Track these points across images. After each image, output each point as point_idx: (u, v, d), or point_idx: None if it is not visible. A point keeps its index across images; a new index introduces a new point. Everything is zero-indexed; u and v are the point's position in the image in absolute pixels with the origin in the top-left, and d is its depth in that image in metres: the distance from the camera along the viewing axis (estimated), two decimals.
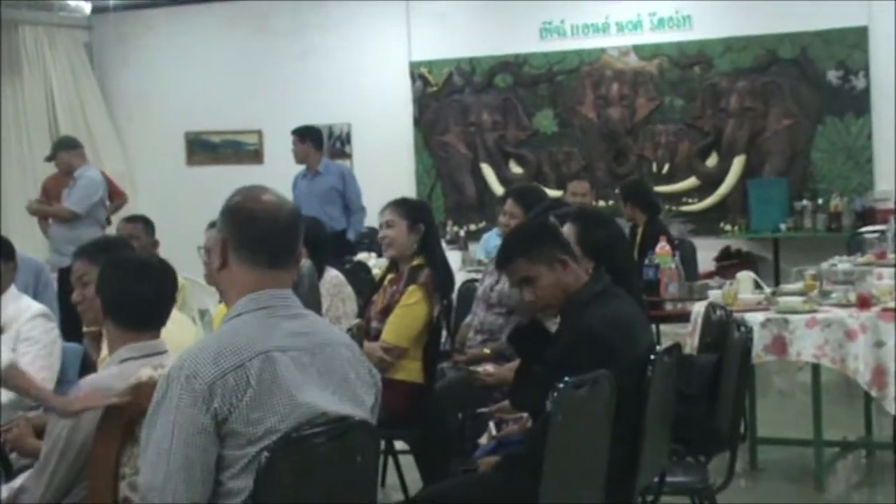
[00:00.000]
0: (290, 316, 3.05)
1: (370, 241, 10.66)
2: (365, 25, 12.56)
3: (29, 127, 12.37)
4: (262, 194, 3.13)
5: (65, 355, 5.35)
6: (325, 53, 12.64)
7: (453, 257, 8.34)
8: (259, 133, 12.85)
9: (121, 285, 3.76)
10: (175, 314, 3.99)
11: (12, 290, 5.25)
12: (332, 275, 6.12)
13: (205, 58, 12.94)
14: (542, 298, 4.20)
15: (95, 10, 12.59)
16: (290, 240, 3.13)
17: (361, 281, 7.41)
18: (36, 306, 5.22)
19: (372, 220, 10.48)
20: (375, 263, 8.89)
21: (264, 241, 3.06)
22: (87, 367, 5.23)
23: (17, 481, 3.72)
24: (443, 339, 6.06)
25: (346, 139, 12.75)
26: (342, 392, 3.05)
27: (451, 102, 12.54)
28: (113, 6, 12.63)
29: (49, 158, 10.10)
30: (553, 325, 4.43)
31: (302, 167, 10.30)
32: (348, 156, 12.62)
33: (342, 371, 3.07)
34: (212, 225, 4.69)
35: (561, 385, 3.52)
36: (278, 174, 9.95)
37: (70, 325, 6.54)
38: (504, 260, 4.34)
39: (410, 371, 5.65)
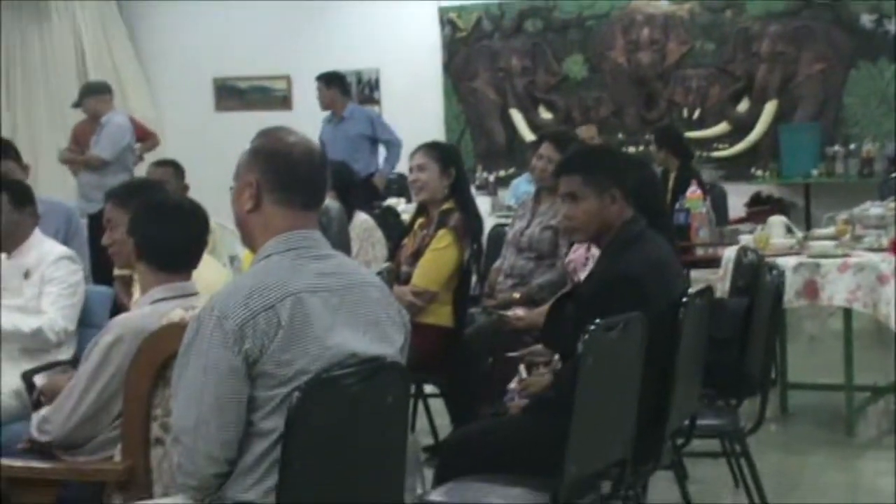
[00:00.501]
0: (319, 257, 3.04)
1: (399, 186, 10.66)
2: None
3: (58, 74, 12.37)
4: (289, 135, 3.13)
5: (95, 299, 5.38)
6: None
7: (482, 203, 8.30)
8: (287, 79, 12.81)
9: (154, 227, 3.78)
10: (206, 257, 4.00)
11: (36, 236, 5.27)
12: (362, 219, 6.12)
13: (234, 3, 12.88)
14: (578, 221, 4.18)
15: None
16: (322, 180, 3.13)
17: (390, 226, 7.41)
18: (59, 249, 5.24)
19: (402, 165, 10.51)
20: (404, 209, 8.88)
21: (300, 181, 3.05)
22: (118, 310, 5.26)
23: (43, 411, 3.74)
24: (472, 284, 6.05)
25: (374, 85, 12.70)
26: (372, 332, 3.04)
27: (480, 48, 12.46)
28: None
29: (76, 105, 10.10)
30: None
31: (327, 112, 10.28)
32: (377, 102, 12.58)
33: (372, 311, 3.07)
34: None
35: (592, 326, 3.51)
36: (307, 120, 9.90)
37: (101, 270, 6.58)
38: (562, 169, 4.32)
39: (440, 315, 5.65)
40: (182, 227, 3.83)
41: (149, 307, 3.68)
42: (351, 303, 3.02)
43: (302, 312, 2.91)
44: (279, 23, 12.78)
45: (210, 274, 4.29)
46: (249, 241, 3.13)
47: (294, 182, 3.06)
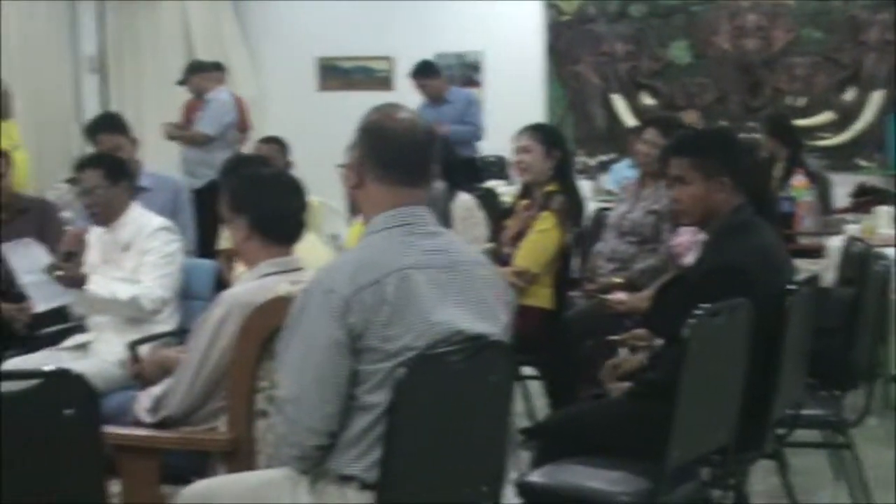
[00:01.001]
0: (426, 233, 3.05)
1: (498, 168, 10.65)
2: None
3: (165, 51, 12.50)
4: (397, 112, 3.14)
5: (199, 272, 5.44)
6: None
7: (582, 187, 8.25)
8: (390, 60, 12.83)
9: (263, 200, 3.81)
10: (307, 234, 4.03)
11: (133, 209, 5.32)
12: (464, 198, 6.12)
13: None
14: (684, 205, 4.14)
15: None
16: (426, 157, 3.13)
17: (490, 207, 7.39)
18: (156, 221, 5.29)
19: (502, 147, 10.49)
20: (504, 191, 8.86)
21: (401, 158, 3.06)
22: (221, 285, 5.32)
23: (157, 389, 3.79)
24: (573, 267, 6.04)
25: (476, 67, 12.68)
26: (478, 310, 3.05)
27: (583, 32, 12.38)
28: None
29: (181, 82, 10.22)
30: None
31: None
32: (478, 84, 12.55)
33: (478, 289, 3.07)
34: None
35: (698, 312, 3.48)
36: (408, 101, 9.84)
37: (206, 244, 6.67)
38: (672, 150, 4.29)
39: (541, 297, 5.64)
40: (288, 201, 3.87)
41: (256, 281, 3.71)
42: (458, 280, 3.02)
43: (408, 288, 2.92)
44: (383, 4, 12.79)
45: (312, 251, 4.32)
46: (362, 216, 3.16)
47: (395, 159, 3.07)
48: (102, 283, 5.06)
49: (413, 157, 3.09)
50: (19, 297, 6.08)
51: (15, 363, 4.93)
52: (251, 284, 3.72)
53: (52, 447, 2.72)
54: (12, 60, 10.98)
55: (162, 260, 5.16)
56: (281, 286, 3.49)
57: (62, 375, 2.82)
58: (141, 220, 5.28)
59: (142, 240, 5.19)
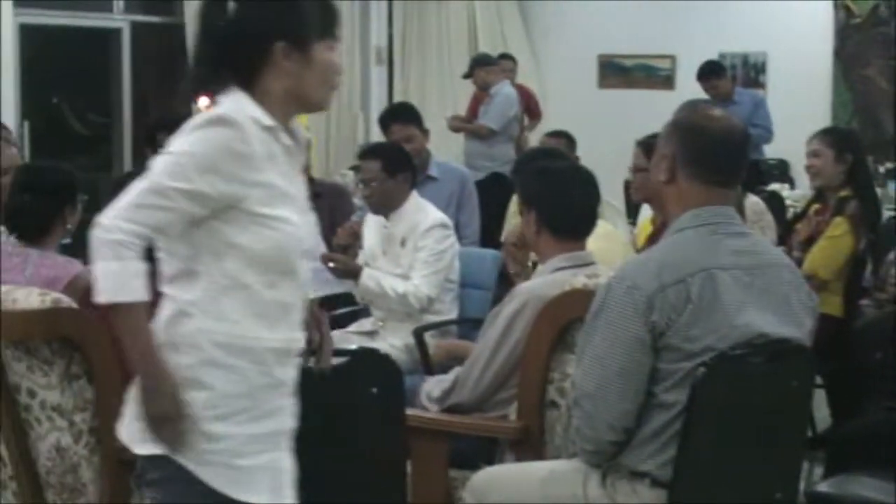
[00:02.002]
0: (733, 234, 3.02)
1: (781, 172, 10.44)
2: None
3: (451, 48, 12.71)
4: (712, 111, 3.12)
5: (482, 262, 5.51)
6: None
7: None
8: (672, 58, 12.70)
9: (556, 194, 3.82)
10: (606, 228, 4.02)
11: (412, 202, 5.37)
12: (753, 201, 6.03)
13: None
14: None
15: None
16: (740, 158, 3.11)
17: (774, 211, 7.26)
18: (432, 218, 5.30)
19: (784, 151, 10.28)
20: (789, 195, 8.69)
21: (716, 158, 3.04)
22: (503, 276, 5.38)
23: (450, 375, 3.85)
24: (865, 275, 5.87)
25: (760, 68, 12.43)
26: (782, 314, 3.01)
27: (875, 35, 11.99)
28: None
29: (466, 76, 10.37)
30: None
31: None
32: (762, 85, 12.31)
33: (783, 293, 3.03)
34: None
35: None
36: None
37: (489, 235, 6.75)
38: None
39: (829, 304, 5.50)
40: (581, 194, 3.87)
41: (550, 275, 3.73)
42: (762, 282, 2.99)
43: (712, 289, 2.90)
44: (666, 2, 12.69)
45: (609, 244, 4.32)
46: (663, 211, 3.15)
47: (709, 159, 3.05)
48: (377, 276, 5.17)
49: (728, 157, 3.06)
50: None
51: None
52: (545, 278, 3.74)
53: (357, 423, 2.81)
54: None
55: (432, 258, 5.21)
56: (577, 279, 3.50)
57: (370, 354, 2.93)
58: (418, 215, 5.32)
59: (416, 237, 5.26)
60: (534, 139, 10.04)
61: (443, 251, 5.24)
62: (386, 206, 5.33)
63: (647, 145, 4.60)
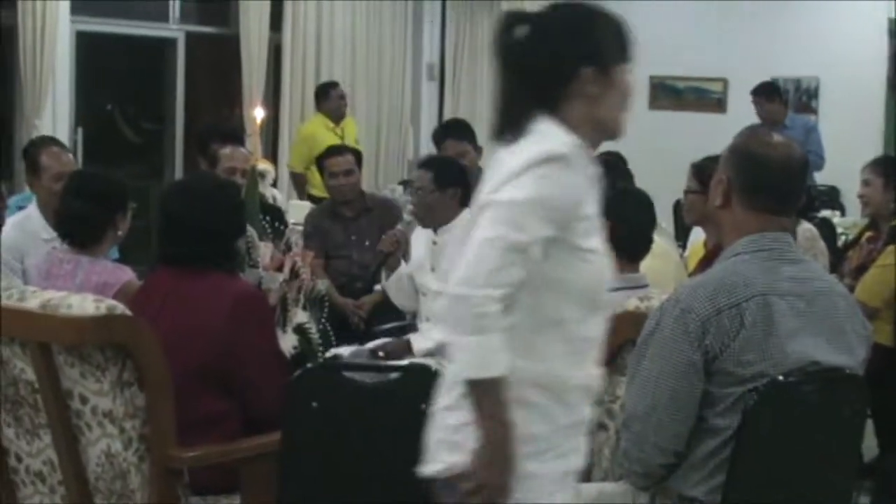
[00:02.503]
0: (789, 260, 3.01)
1: (831, 199, 10.38)
2: None
3: None
4: (771, 138, 3.10)
5: None
6: (800, 2, 12.28)
7: None
8: (724, 81, 12.67)
9: (617, 217, 3.81)
10: (662, 247, 4.01)
11: (461, 218, 5.32)
12: (806, 228, 6.01)
13: (675, 2, 12.89)
14: None
15: None
16: (798, 186, 3.10)
17: (825, 238, 7.23)
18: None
19: (835, 178, 10.23)
20: (840, 222, 8.64)
21: (772, 186, 3.02)
22: None
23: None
24: None
25: (813, 94, 12.38)
26: (836, 342, 2.99)
27: None
28: None
29: None
30: None
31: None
32: (814, 111, 12.25)
33: (837, 321, 3.01)
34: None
35: None
36: (741, 124, 9.67)
37: None
38: None
39: (880, 333, 5.43)
40: (638, 217, 3.87)
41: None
42: (817, 310, 2.97)
43: (767, 315, 2.89)
44: (719, 25, 12.66)
45: (663, 264, 4.31)
46: (718, 234, 3.14)
47: (764, 185, 3.03)
48: (422, 334, 5.11)
49: (785, 185, 3.05)
50: (357, 292, 6.31)
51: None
52: None
53: (408, 439, 2.80)
54: (357, 63, 11.42)
55: None
56: (630, 301, 3.49)
57: (421, 369, 2.93)
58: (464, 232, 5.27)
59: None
60: None
61: None
62: (431, 218, 5.31)
63: (700, 168, 4.61)
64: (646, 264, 3.87)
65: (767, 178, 3.02)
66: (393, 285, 5.55)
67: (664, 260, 4.48)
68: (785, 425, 2.91)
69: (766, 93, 9.91)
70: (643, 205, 3.90)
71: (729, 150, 3.11)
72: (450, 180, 5.32)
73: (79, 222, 4.32)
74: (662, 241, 5.86)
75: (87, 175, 4.75)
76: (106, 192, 4.40)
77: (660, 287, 3.85)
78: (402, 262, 5.54)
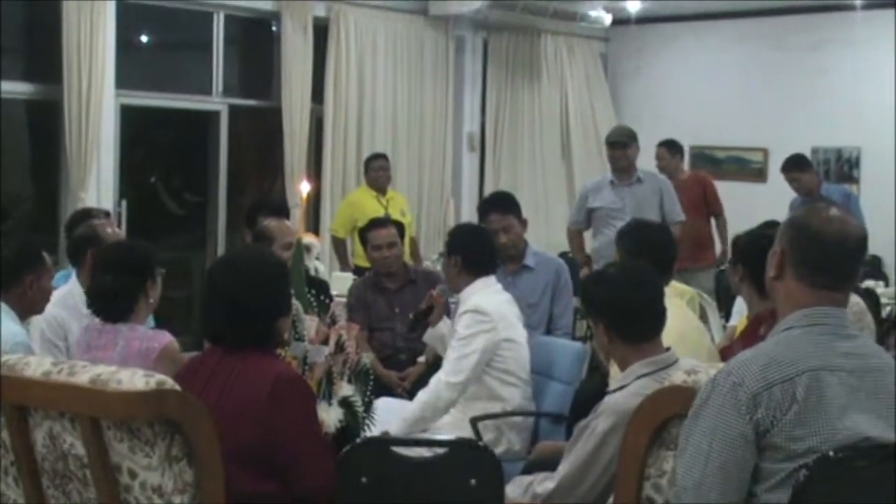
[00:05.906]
0: (842, 336, 2.99)
1: (874, 268, 10.33)
2: (887, 41, 11.94)
3: (543, 135, 12.79)
4: (829, 212, 3.07)
5: (565, 354, 5.50)
6: (840, 72, 12.26)
7: None
8: (765, 151, 12.67)
9: (617, 301, 3.81)
10: (679, 310, 3.96)
11: (476, 285, 5.41)
12: (854, 301, 5.95)
13: (716, 72, 12.91)
14: None
15: (615, 23, 12.80)
16: (855, 263, 3.07)
17: (869, 309, 7.18)
18: (470, 302, 5.33)
19: (878, 247, 10.16)
20: (883, 292, 8.60)
21: (828, 262, 3.01)
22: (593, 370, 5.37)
23: (543, 478, 3.82)
24: None
25: (854, 163, 12.35)
26: (888, 418, 2.96)
27: None
28: (634, 19, 12.82)
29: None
30: None
31: None
32: (856, 180, 12.22)
33: (890, 397, 2.98)
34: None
35: None
36: (780, 195, 9.78)
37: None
38: None
39: None
40: (638, 296, 3.84)
41: (633, 386, 3.74)
42: (869, 386, 2.95)
43: (818, 390, 2.87)
44: (760, 95, 12.68)
45: (678, 324, 4.28)
46: (776, 306, 3.12)
47: (819, 261, 3.01)
48: (404, 417, 5.16)
49: (839, 263, 3.03)
50: (401, 364, 6.32)
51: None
52: (629, 390, 3.74)
53: None
54: (398, 134, 11.49)
55: (458, 343, 5.23)
56: (676, 375, 3.47)
57: (469, 445, 2.91)
58: (470, 300, 5.34)
59: (457, 319, 5.32)
60: None
61: (470, 336, 5.22)
62: (448, 284, 5.54)
63: (733, 242, 4.69)
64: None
65: (822, 255, 3.00)
66: (438, 340, 5.58)
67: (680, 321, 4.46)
68: (836, 502, 2.88)
69: (799, 165, 9.87)
70: (639, 282, 3.86)
71: (785, 222, 3.11)
72: (452, 247, 5.46)
73: (110, 297, 4.36)
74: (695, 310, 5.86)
75: (111, 248, 4.77)
76: (134, 264, 4.45)
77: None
78: (446, 318, 5.58)
